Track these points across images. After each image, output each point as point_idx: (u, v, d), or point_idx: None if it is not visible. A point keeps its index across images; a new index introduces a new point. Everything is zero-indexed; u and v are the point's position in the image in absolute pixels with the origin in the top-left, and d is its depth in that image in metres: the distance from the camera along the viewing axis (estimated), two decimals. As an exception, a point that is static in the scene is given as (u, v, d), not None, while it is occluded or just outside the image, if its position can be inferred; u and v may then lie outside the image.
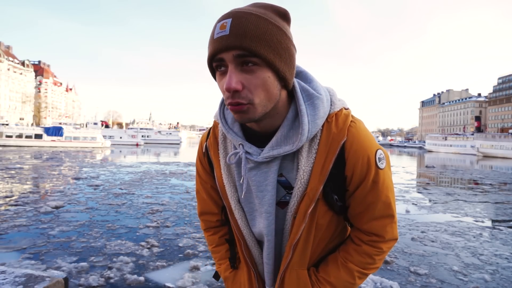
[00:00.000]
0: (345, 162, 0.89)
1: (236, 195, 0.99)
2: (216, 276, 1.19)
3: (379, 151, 0.92)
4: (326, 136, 0.88)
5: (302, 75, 0.95)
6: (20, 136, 40.70)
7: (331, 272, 0.96)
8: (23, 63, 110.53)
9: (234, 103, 0.79)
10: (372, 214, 0.93)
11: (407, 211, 8.14)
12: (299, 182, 0.89)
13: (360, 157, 0.88)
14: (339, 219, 0.99)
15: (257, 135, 0.92)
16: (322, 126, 0.89)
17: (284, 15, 0.83)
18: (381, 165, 0.91)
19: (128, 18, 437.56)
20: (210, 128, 1.07)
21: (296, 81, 0.90)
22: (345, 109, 0.94)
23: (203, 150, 1.07)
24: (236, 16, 0.77)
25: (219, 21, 0.79)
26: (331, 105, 0.92)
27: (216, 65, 0.81)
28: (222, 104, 0.99)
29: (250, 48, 0.76)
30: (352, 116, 0.93)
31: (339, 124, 0.89)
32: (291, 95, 0.90)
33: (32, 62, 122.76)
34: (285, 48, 0.81)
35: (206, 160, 1.07)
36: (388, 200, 0.93)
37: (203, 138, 1.10)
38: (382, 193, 0.92)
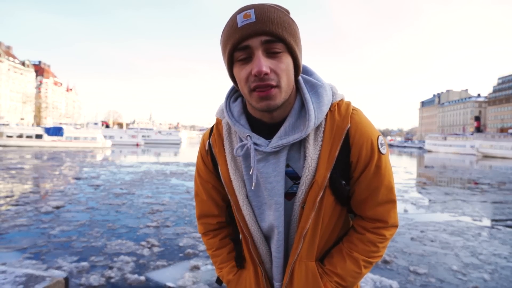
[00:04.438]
0: (350, 148, 0.92)
1: (244, 189, 0.98)
2: (219, 281, 1.15)
3: (380, 137, 0.96)
4: (331, 124, 0.92)
5: (303, 69, 1.00)
6: (20, 136, 40.71)
7: (337, 264, 0.97)
8: (23, 63, 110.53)
9: (264, 86, 0.82)
10: (376, 199, 0.96)
11: (406, 211, 8.16)
12: (307, 170, 0.91)
13: (364, 142, 0.92)
14: (342, 210, 1.00)
15: (264, 127, 0.94)
16: (326, 115, 0.93)
17: (288, 13, 0.89)
18: (383, 150, 0.95)
19: (131, 20, 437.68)
20: (213, 125, 1.08)
21: None
22: (345, 100, 0.98)
23: (206, 148, 1.07)
24: (257, 7, 0.83)
25: (238, 12, 0.83)
26: (332, 95, 0.97)
27: (239, 55, 0.84)
28: (228, 98, 1.02)
29: (278, 34, 0.81)
30: (353, 106, 0.97)
31: (342, 112, 0.93)
32: (296, 87, 0.95)
33: (33, 62, 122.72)
34: (299, 38, 0.89)
35: (210, 158, 1.06)
36: (390, 185, 0.97)
37: (205, 136, 1.10)
38: (385, 177, 0.95)
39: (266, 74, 0.81)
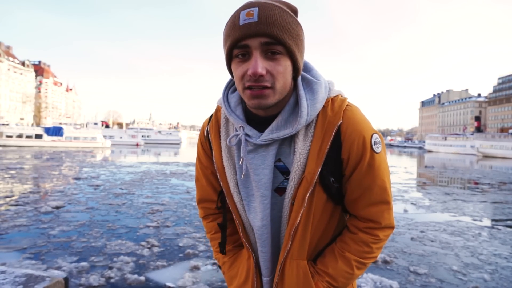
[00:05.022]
0: (341, 145, 0.90)
1: (235, 177, 1.00)
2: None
3: (375, 135, 0.93)
4: (322, 120, 0.91)
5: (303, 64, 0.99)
6: (20, 136, 40.74)
7: (329, 263, 0.95)
8: (23, 63, 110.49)
9: (258, 87, 0.82)
10: (369, 199, 0.94)
11: (406, 211, 8.15)
12: (295, 165, 0.90)
13: (355, 139, 0.90)
14: (335, 208, 0.99)
15: (259, 119, 0.94)
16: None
17: (295, 12, 0.88)
18: (377, 148, 0.92)
19: (130, 19, 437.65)
20: (213, 112, 1.10)
21: None
22: (342, 96, 0.97)
23: (205, 134, 1.08)
24: (262, 6, 0.82)
25: (242, 9, 0.83)
26: (328, 90, 0.96)
27: (237, 52, 0.84)
28: (227, 88, 1.02)
29: (278, 37, 0.81)
30: (348, 102, 0.95)
31: (335, 108, 0.91)
32: (293, 83, 0.95)
33: (32, 62, 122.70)
34: (302, 41, 0.88)
35: (207, 143, 1.08)
36: (384, 185, 0.94)
37: (205, 123, 1.12)
38: (378, 177, 0.93)
39: (261, 75, 0.81)
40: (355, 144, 0.90)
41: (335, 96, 0.94)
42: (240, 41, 0.82)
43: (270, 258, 1.00)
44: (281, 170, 0.95)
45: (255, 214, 0.97)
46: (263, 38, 0.80)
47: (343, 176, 0.95)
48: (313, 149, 0.90)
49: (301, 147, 0.90)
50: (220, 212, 1.14)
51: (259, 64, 0.80)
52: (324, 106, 0.92)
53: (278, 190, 0.96)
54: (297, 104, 0.92)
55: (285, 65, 0.84)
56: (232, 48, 0.84)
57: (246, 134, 0.93)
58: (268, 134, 0.90)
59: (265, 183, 0.93)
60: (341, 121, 0.89)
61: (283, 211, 0.96)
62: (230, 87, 1.03)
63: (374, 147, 0.91)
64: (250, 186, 0.98)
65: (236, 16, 0.83)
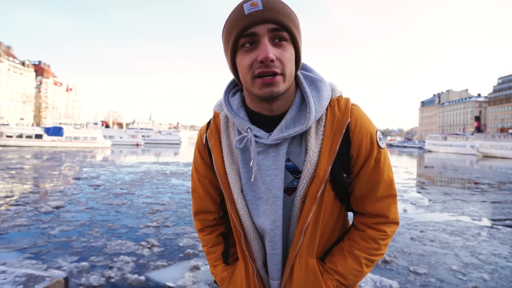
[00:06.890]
0: (350, 142, 0.93)
1: (239, 183, 0.97)
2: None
3: (378, 132, 0.98)
4: (331, 119, 0.93)
5: (301, 66, 1.01)
6: (20, 136, 40.75)
7: (338, 262, 0.95)
8: (23, 63, 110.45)
9: (269, 73, 0.83)
10: (376, 194, 0.96)
11: (406, 211, 8.16)
12: (308, 163, 0.91)
13: (364, 136, 0.94)
14: (341, 207, 1.00)
15: (263, 120, 0.94)
16: (326, 110, 0.94)
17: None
18: (382, 144, 0.96)
19: (130, 19, 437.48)
20: (210, 119, 1.08)
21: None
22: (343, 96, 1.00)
23: (204, 142, 1.06)
24: None
25: (245, 1, 0.85)
26: (332, 91, 0.98)
27: (244, 41, 0.84)
28: (227, 92, 1.02)
29: (284, 23, 0.83)
30: (351, 101, 0.99)
31: (342, 107, 0.95)
32: (296, 82, 0.96)
33: (32, 62, 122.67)
34: (301, 31, 0.91)
35: (207, 151, 1.05)
36: (389, 179, 0.97)
37: (202, 130, 1.10)
38: (384, 171, 0.96)
39: (272, 60, 0.82)
40: (364, 141, 0.93)
41: (339, 96, 0.97)
42: (247, 29, 0.82)
43: (281, 260, 0.98)
44: (291, 170, 0.94)
45: (265, 218, 0.95)
46: (270, 24, 0.82)
47: (350, 173, 0.97)
48: (324, 147, 0.91)
49: (314, 146, 0.91)
50: (219, 223, 1.11)
51: (270, 49, 0.81)
52: (331, 105, 0.95)
53: (288, 190, 0.94)
54: (303, 102, 0.94)
55: (290, 52, 0.86)
56: (238, 37, 0.84)
57: (255, 135, 0.92)
58: (278, 133, 0.90)
59: (277, 184, 0.92)
60: (349, 119, 0.92)
61: (293, 210, 0.94)
62: (229, 90, 1.02)
63: (379, 143, 0.95)
64: (257, 190, 0.96)
65: (239, 8, 0.85)
